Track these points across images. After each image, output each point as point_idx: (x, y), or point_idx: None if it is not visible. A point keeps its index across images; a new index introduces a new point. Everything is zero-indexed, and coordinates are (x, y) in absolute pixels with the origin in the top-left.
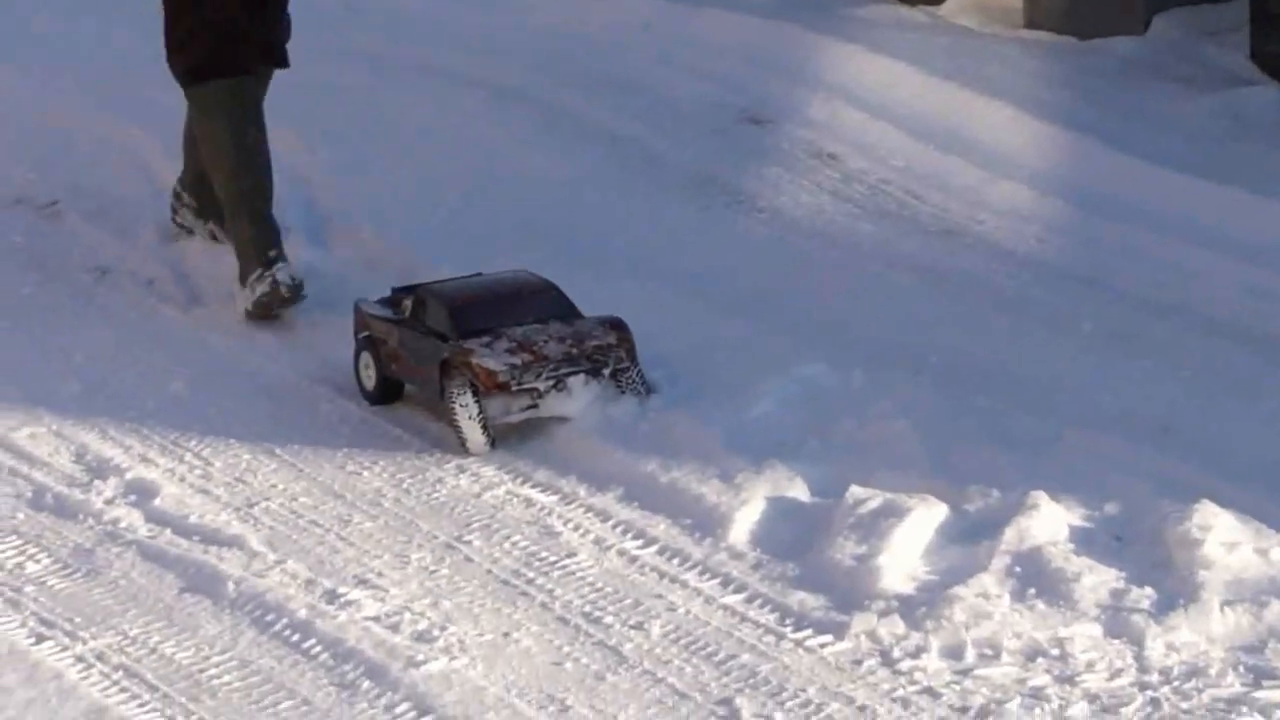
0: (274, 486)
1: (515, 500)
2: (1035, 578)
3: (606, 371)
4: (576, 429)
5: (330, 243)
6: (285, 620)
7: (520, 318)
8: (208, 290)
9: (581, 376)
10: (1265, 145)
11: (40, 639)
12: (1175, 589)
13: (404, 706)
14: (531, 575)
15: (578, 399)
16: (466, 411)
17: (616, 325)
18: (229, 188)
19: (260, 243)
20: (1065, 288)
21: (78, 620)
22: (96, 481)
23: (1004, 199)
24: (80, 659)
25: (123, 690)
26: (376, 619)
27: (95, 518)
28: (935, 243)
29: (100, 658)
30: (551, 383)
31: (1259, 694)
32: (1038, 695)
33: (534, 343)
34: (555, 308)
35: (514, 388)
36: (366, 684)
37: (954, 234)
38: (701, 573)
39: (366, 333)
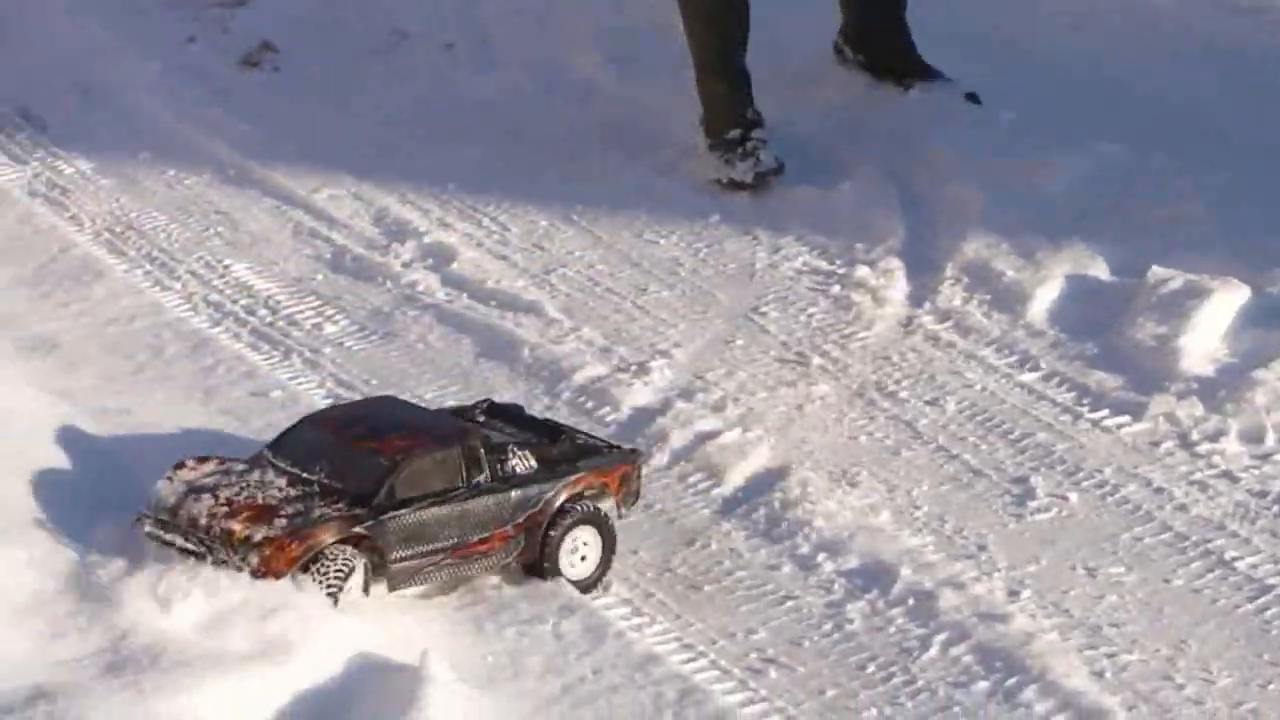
0: (571, 253)
1: (812, 273)
2: None
3: None
4: (875, 205)
5: None
6: (573, 385)
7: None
8: (508, 55)
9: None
10: None
11: (338, 400)
12: None
13: (697, 476)
14: (827, 348)
15: None
16: None
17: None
18: (702, 37)
19: (734, 102)
20: None
21: (374, 382)
22: (395, 244)
23: None
24: None
25: None
26: (664, 388)
27: (393, 280)
28: (1241, 21)
29: None
30: None
31: None
32: None
33: None
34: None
35: None
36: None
37: (1261, 11)
38: (999, 350)
39: None
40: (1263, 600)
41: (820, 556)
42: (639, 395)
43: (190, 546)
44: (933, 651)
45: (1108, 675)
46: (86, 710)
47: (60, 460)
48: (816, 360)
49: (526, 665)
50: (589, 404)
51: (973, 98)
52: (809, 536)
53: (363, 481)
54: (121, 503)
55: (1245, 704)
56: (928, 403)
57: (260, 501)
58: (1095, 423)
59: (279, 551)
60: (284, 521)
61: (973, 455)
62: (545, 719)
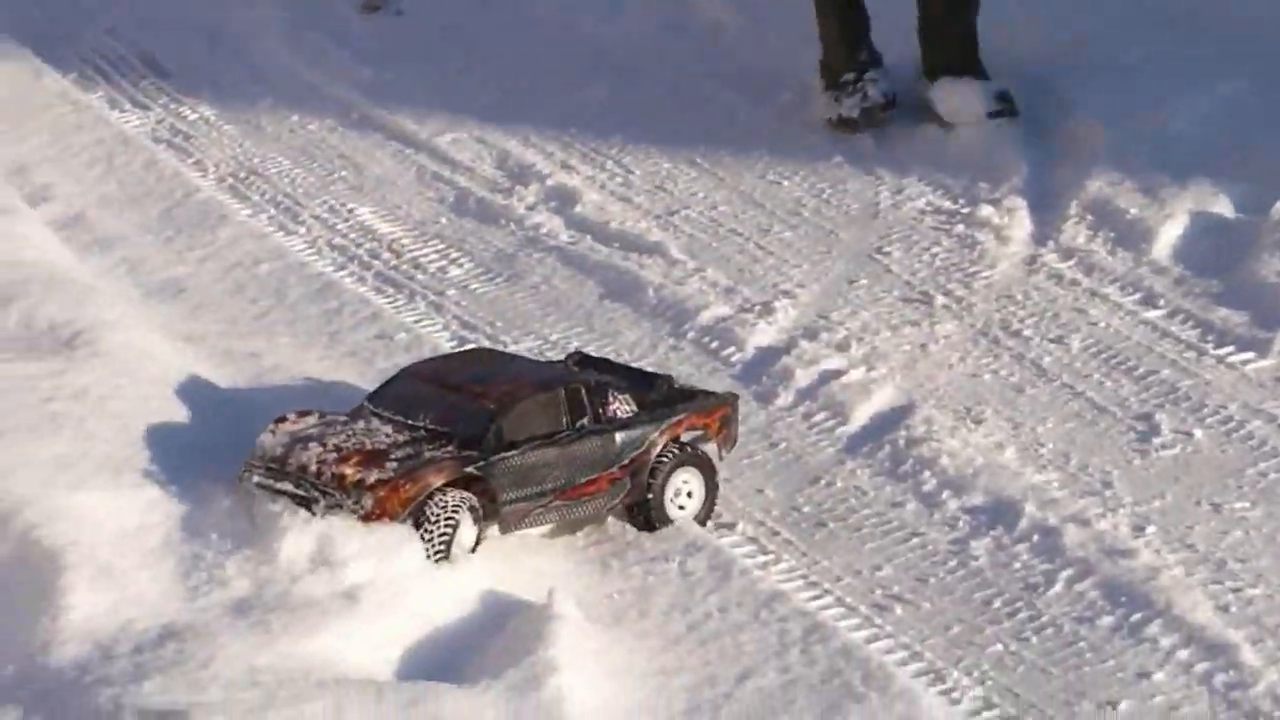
0: (694, 195)
1: (935, 212)
2: None
3: None
4: (998, 145)
5: None
6: (698, 325)
7: None
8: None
9: None
10: None
11: (462, 343)
12: None
13: (821, 415)
14: (951, 287)
15: None
16: None
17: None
18: None
19: (850, 43)
20: None
21: (499, 324)
22: (518, 187)
23: None
24: None
25: None
26: (788, 328)
27: (517, 223)
28: None
29: None
30: None
31: None
32: None
33: None
34: None
35: None
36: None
37: None
38: (1123, 287)
39: None
40: None
41: (945, 494)
42: (763, 335)
43: (301, 493)
44: (1058, 587)
45: (1233, 610)
46: (215, 650)
47: (189, 405)
48: (940, 299)
49: (653, 603)
50: (713, 344)
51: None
52: (933, 474)
53: (470, 425)
54: (249, 446)
55: None
56: (1052, 340)
57: (369, 447)
58: (1220, 359)
59: (392, 493)
60: (395, 464)
61: (1097, 392)
62: (671, 656)
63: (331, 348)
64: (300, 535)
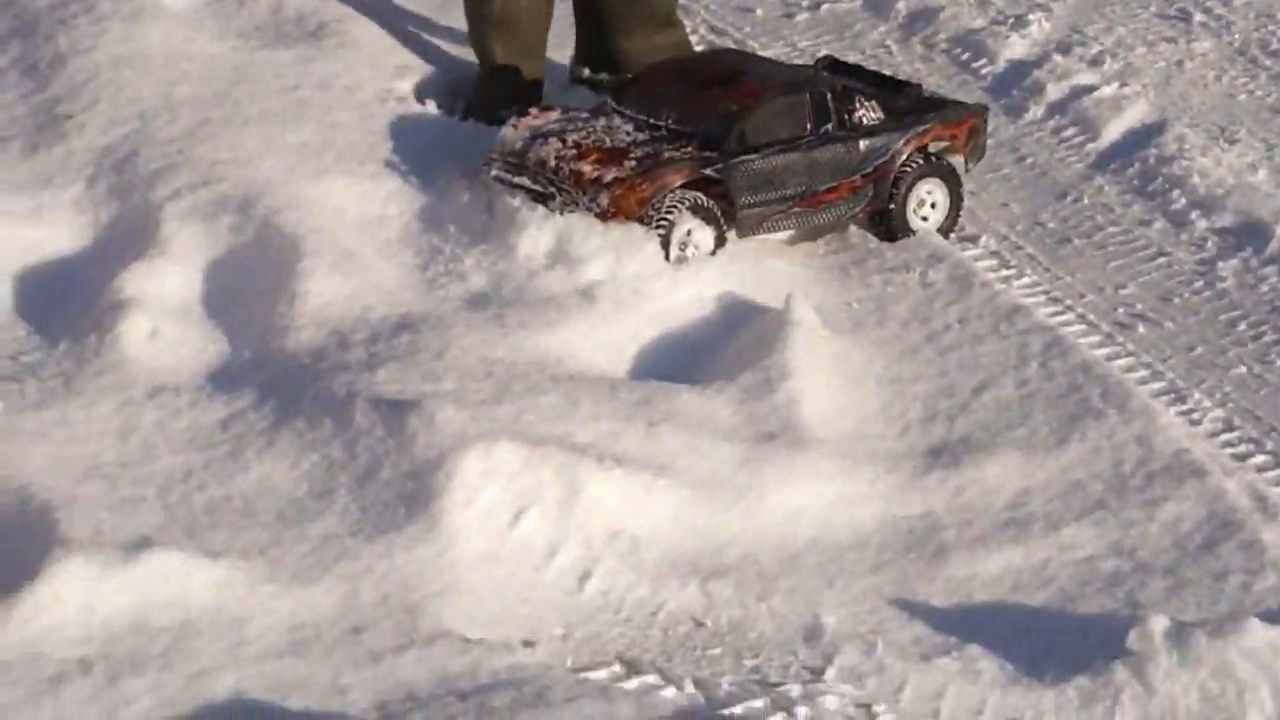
0: None
1: None
2: None
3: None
4: None
5: None
6: (950, 36)
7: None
8: None
9: None
10: None
11: (710, 46)
12: None
13: (1071, 131)
14: (1210, 4)
15: None
16: None
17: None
18: None
19: None
20: None
21: (746, 29)
22: None
23: None
24: None
25: None
26: (1041, 41)
27: None
28: None
29: None
30: None
31: None
32: None
33: None
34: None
35: None
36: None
37: None
38: None
39: None
40: None
41: (1194, 213)
42: (1015, 48)
43: (538, 188)
44: None
45: None
46: (450, 341)
47: (435, 94)
48: (1199, 16)
49: (891, 313)
50: (964, 55)
51: None
52: (1183, 193)
53: (712, 126)
54: (483, 140)
55: None
56: None
57: (609, 145)
58: None
59: (629, 191)
60: (633, 163)
61: None
62: (909, 365)
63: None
64: (539, 231)
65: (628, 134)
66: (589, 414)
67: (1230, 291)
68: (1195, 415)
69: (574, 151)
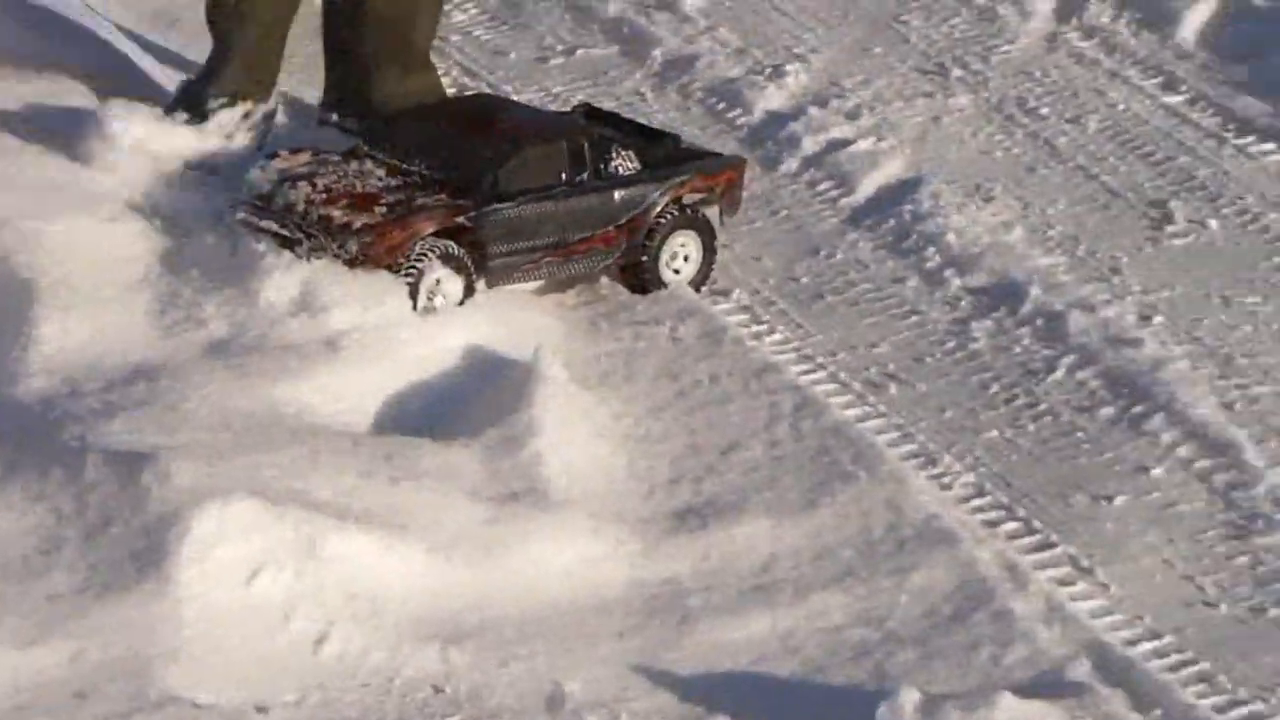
0: None
1: None
2: None
3: None
4: None
5: None
6: (706, 85)
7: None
8: None
9: None
10: None
11: (463, 90)
12: None
13: (826, 184)
14: (968, 60)
15: None
16: None
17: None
18: None
19: None
20: None
21: (499, 73)
22: None
23: None
24: None
25: None
26: (798, 93)
27: None
28: None
29: None
30: None
31: None
32: None
33: None
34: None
35: None
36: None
37: None
38: (1145, 70)
39: None
40: None
41: (948, 272)
42: (772, 99)
43: (285, 233)
44: (1058, 374)
45: (1237, 407)
46: (188, 390)
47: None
48: (956, 72)
49: (641, 368)
50: (720, 105)
51: None
52: (938, 250)
53: (466, 173)
54: (232, 182)
55: None
56: (1068, 121)
57: (360, 190)
58: (1240, 149)
59: (380, 238)
60: (384, 209)
61: (1111, 176)
62: (657, 423)
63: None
64: (283, 277)
65: (380, 179)
66: (329, 469)
67: (983, 353)
68: (946, 480)
69: (324, 196)
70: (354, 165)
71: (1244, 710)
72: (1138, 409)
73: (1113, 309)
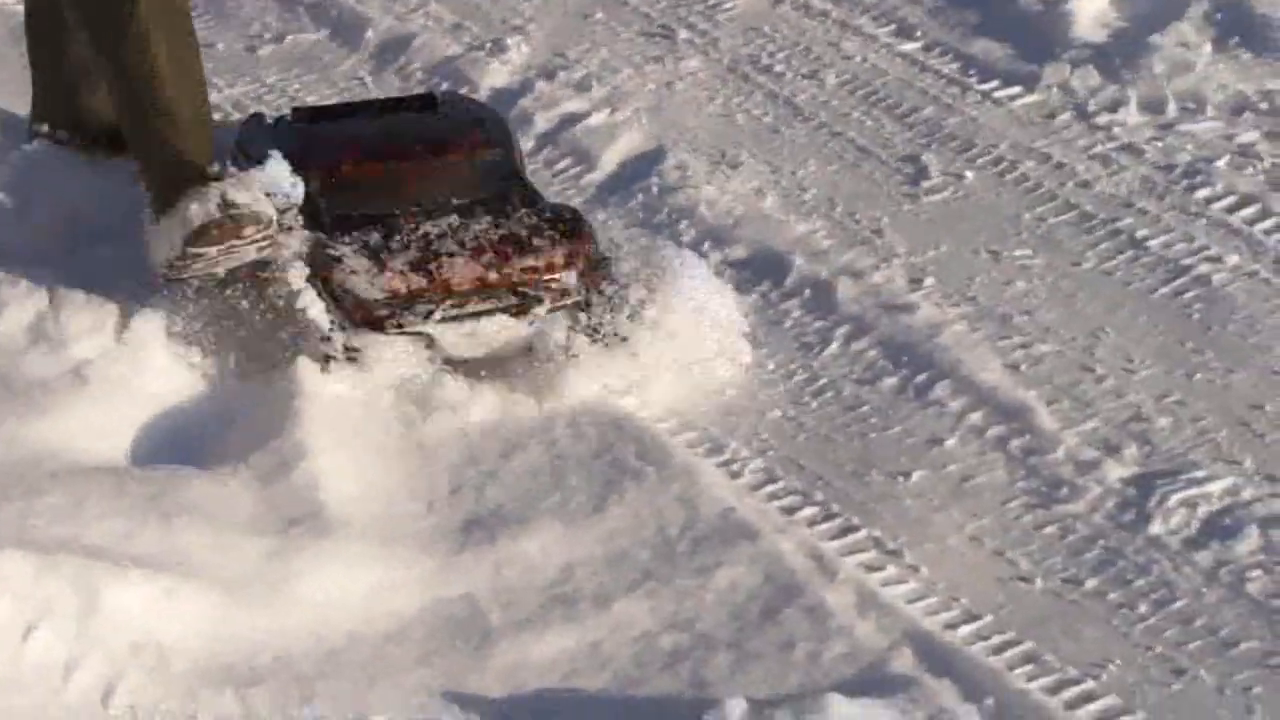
0: None
1: None
2: (1237, 25)
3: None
4: None
5: None
6: (425, 65)
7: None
8: None
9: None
10: None
11: None
12: None
13: (566, 162)
14: (694, 20)
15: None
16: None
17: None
18: None
19: None
20: None
21: (209, 66)
22: None
23: None
24: None
25: None
26: (522, 66)
27: None
28: None
29: None
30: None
31: None
32: (1246, 153)
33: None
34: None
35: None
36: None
37: None
38: (875, 18)
39: None
40: (1179, 282)
41: (706, 245)
42: (497, 75)
43: None
44: (834, 347)
45: (1023, 368)
46: None
47: None
48: (683, 33)
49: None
50: (443, 86)
51: None
52: (692, 224)
53: None
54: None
55: (1170, 395)
56: (805, 77)
57: None
58: (985, 95)
59: None
60: None
61: (858, 133)
62: (431, 431)
63: None
64: (19, 308)
65: None
66: (97, 512)
67: (753, 329)
68: (735, 467)
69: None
70: None
71: (1076, 690)
72: (921, 378)
73: (880, 274)
